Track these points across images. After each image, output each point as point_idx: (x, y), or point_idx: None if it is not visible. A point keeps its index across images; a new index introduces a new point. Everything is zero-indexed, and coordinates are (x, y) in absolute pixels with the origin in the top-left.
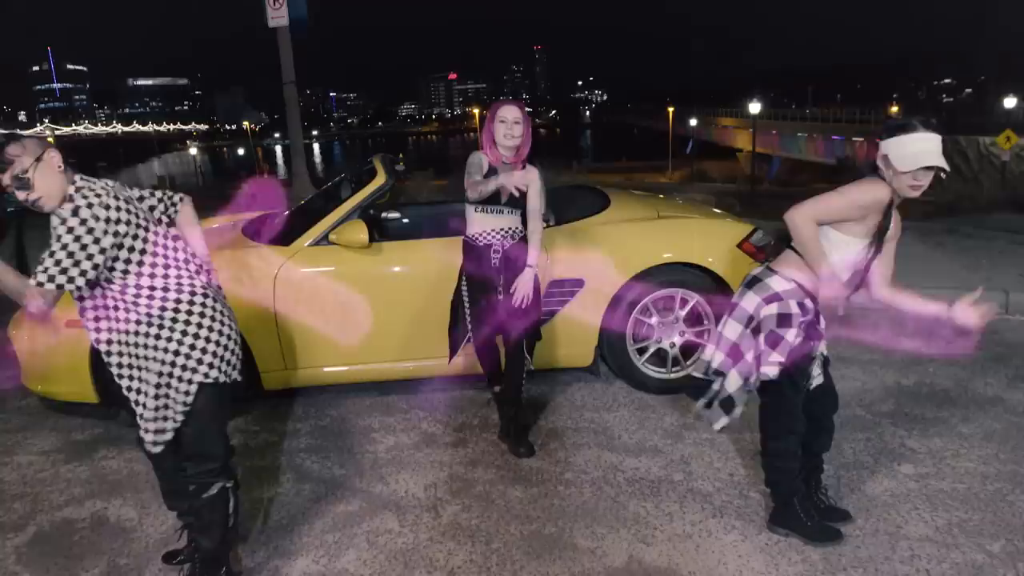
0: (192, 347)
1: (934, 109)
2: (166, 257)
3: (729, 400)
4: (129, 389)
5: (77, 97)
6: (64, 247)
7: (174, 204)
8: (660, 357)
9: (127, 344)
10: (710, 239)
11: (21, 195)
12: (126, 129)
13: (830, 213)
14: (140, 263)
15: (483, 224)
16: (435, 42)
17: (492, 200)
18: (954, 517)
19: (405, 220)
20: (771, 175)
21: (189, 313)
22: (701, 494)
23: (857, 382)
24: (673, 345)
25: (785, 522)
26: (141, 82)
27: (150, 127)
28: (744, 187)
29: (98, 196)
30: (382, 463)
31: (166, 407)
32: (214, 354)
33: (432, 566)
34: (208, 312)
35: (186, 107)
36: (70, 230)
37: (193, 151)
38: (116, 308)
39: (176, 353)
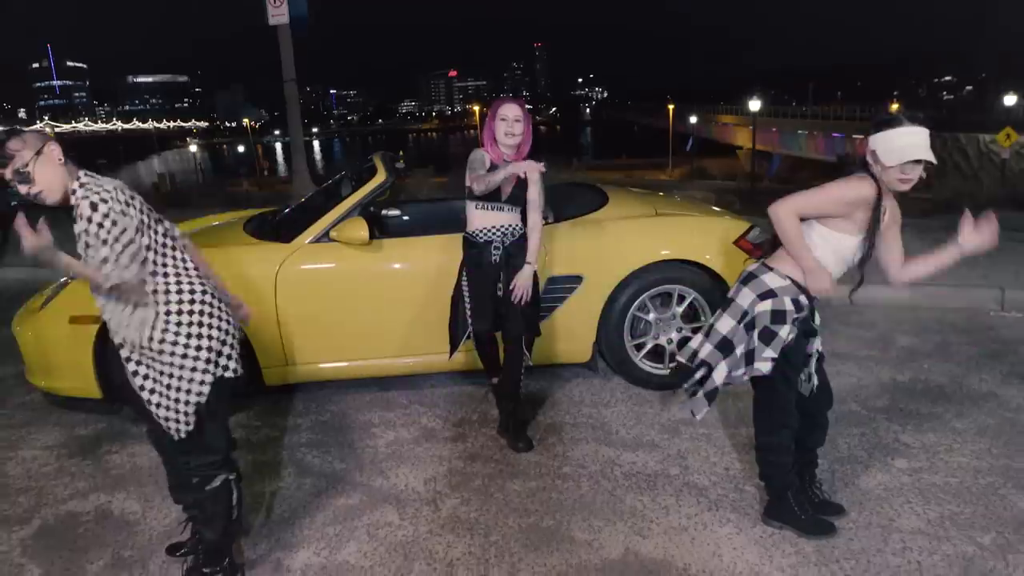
0: (198, 346)
1: (934, 107)
2: (164, 256)
3: (715, 392)
4: (142, 388)
5: (77, 94)
6: (106, 242)
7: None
8: (657, 353)
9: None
10: (707, 236)
11: (23, 189)
12: (126, 126)
13: (813, 208)
14: (144, 260)
15: (483, 221)
16: (435, 39)
17: (493, 197)
18: (946, 510)
19: (405, 217)
20: (771, 172)
21: (191, 312)
22: (697, 488)
23: (853, 378)
24: (670, 341)
25: (779, 515)
26: (141, 79)
27: (150, 124)
28: (744, 184)
29: (108, 191)
30: (382, 457)
31: (178, 401)
32: (218, 352)
33: (432, 558)
34: (207, 309)
35: (186, 104)
36: (100, 225)
37: (193, 148)
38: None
39: (186, 346)
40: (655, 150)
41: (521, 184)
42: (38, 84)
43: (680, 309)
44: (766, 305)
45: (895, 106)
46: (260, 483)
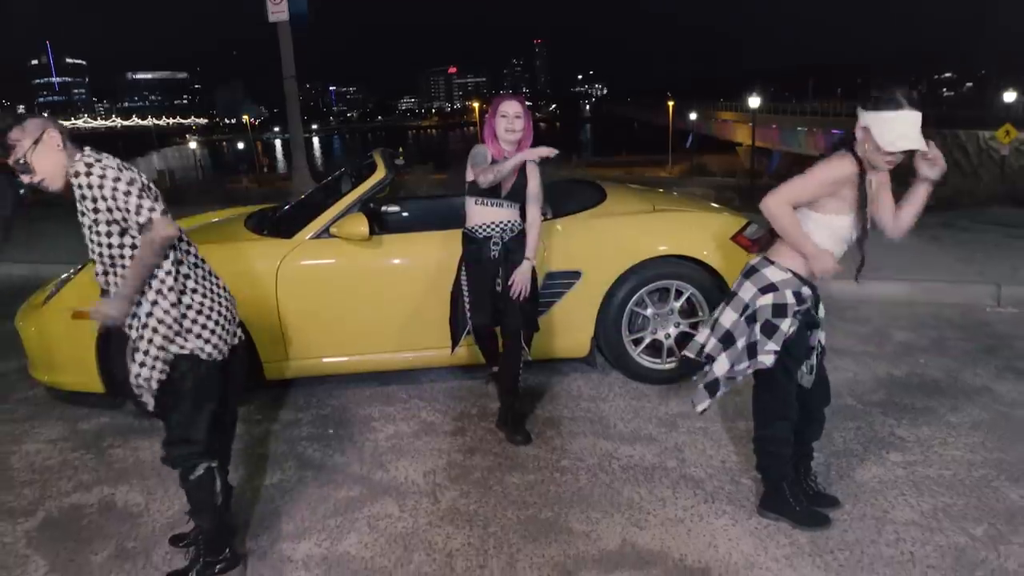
0: (193, 320)
1: (934, 103)
2: (179, 230)
3: (715, 383)
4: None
5: (76, 91)
6: (123, 192)
7: None
8: (655, 348)
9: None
10: (705, 232)
11: (25, 178)
12: (125, 123)
13: (802, 194)
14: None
15: (483, 216)
16: (435, 36)
17: (492, 193)
18: (939, 502)
19: (405, 214)
20: (771, 169)
21: (182, 291)
22: (694, 480)
23: (849, 373)
24: (668, 336)
25: (775, 507)
26: (140, 76)
27: (149, 121)
28: (744, 181)
29: (106, 159)
30: (382, 451)
31: (155, 359)
32: (212, 330)
33: (431, 549)
34: (200, 288)
35: (185, 101)
36: (101, 178)
37: (193, 145)
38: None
39: (177, 306)
40: (655, 147)
41: (520, 180)
42: (37, 81)
43: (678, 304)
44: (767, 299)
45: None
46: (261, 476)
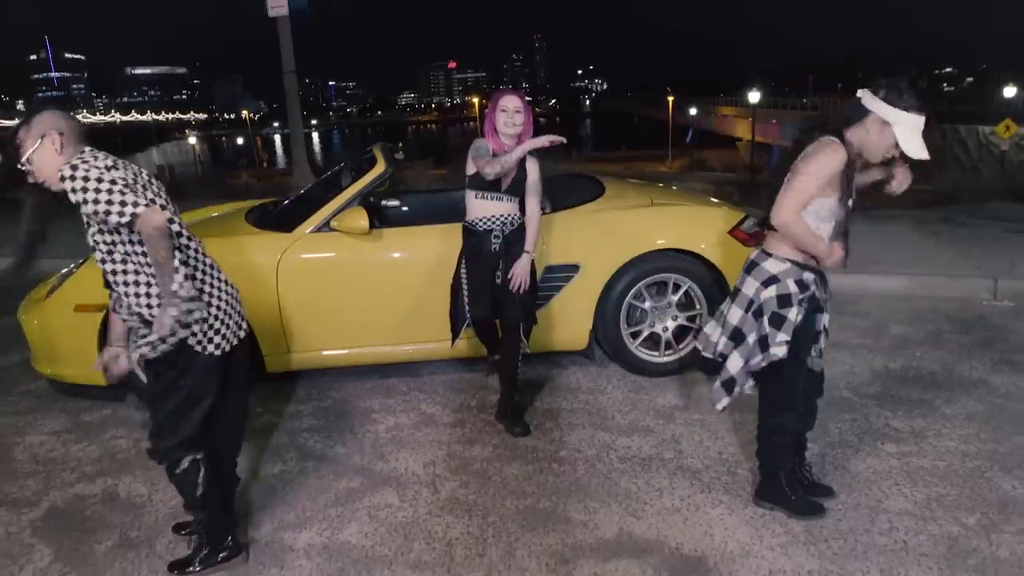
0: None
1: (935, 98)
2: (180, 226)
3: (730, 381)
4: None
5: (75, 86)
6: (104, 195)
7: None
8: (653, 341)
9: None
10: (702, 226)
11: (30, 178)
12: (125, 118)
13: (808, 196)
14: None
15: (483, 210)
16: (434, 30)
17: (493, 187)
18: (933, 492)
19: (405, 208)
20: (771, 164)
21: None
22: (690, 471)
23: (845, 365)
24: (666, 329)
25: (770, 496)
26: (139, 71)
27: (148, 116)
28: (744, 176)
29: (89, 162)
30: (383, 442)
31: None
32: (214, 327)
33: (431, 538)
34: (204, 283)
35: (184, 96)
36: (84, 188)
37: (192, 140)
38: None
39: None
40: (655, 142)
41: (520, 174)
42: (36, 76)
43: (675, 298)
44: (771, 291)
45: None
46: (263, 466)
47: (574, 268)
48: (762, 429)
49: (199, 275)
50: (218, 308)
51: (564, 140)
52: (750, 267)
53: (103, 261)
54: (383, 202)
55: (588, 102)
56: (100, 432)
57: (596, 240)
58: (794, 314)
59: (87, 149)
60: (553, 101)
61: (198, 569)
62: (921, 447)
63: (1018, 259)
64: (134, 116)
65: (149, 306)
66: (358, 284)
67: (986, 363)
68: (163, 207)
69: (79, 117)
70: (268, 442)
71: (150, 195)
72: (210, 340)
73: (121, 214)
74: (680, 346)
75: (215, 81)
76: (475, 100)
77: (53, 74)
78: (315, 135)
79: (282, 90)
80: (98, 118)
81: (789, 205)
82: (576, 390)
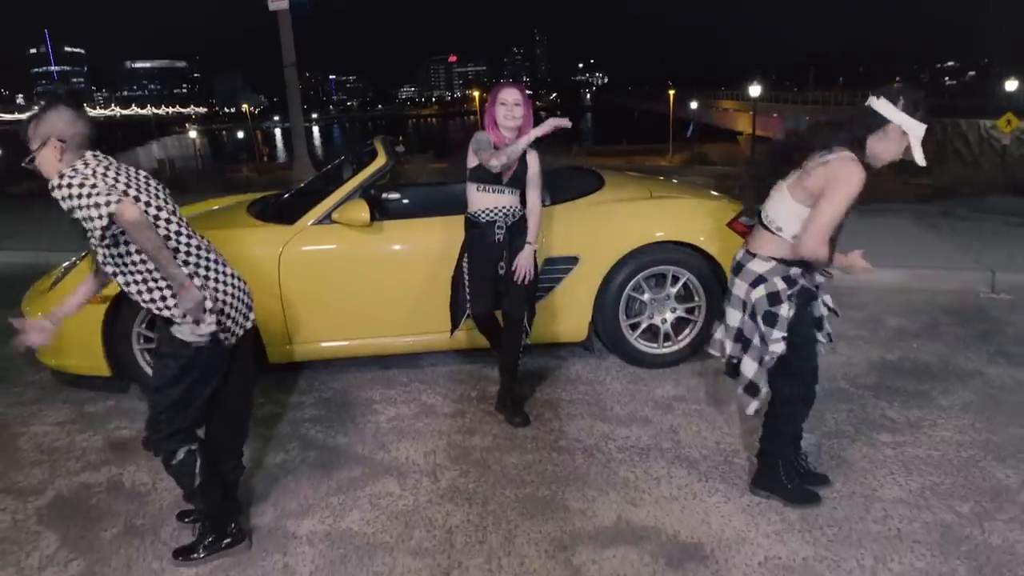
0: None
1: (936, 92)
2: (179, 225)
3: (752, 385)
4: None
5: (75, 80)
6: (86, 203)
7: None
8: (652, 332)
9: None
10: (701, 218)
11: (38, 173)
12: (125, 112)
13: (836, 220)
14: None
15: (485, 202)
16: (435, 24)
17: (494, 179)
18: (927, 481)
19: (405, 201)
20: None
21: (199, 258)
22: (688, 460)
23: (843, 357)
24: (665, 321)
25: (767, 484)
26: (139, 65)
27: (149, 110)
28: (749, 170)
29: (78, 172)
30: (383, 432)
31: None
32: (219, 321)
33: (431, 525)
34: (209, 278)
35: (184, 90)
36: (70, 196)
37: (192, 134)
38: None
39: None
40: (656, 136)
41: (521, 166)
42: (36, 70)
43: (674, 290)
44: (760, 291)
45: None
46: (266, 456)
47: (573, 260)
48: (772, 419)
49: (202, 271)
50: (224, 303)
51: (569, 123)
52: (736, 268)
53: (115, 275)
54: (384, 195)
55: (588, 96)
56: (104, 422)
57: (595, 232)
58: (786, 310)
59: (87, 154)
60: (554, 95)
61: (202, 555)
62: (916, 437)
63: (1016, 252)
64: (134, 110)
65: (168, 308)
66: (359, 276)
67: (982, 355)
68: (159, 208)
69: (87, 112)
70: (270, 432)
71: (132, 192)
72: (223, 331)
73: (100, 216)
74: (679, 338)
75: (215, 75)
76: (475, 94)
77: (53, 68)
78: (315, 129)
79: (282, 84)
80: (98, 112)
81: (818, 232)
82: (575, 381)
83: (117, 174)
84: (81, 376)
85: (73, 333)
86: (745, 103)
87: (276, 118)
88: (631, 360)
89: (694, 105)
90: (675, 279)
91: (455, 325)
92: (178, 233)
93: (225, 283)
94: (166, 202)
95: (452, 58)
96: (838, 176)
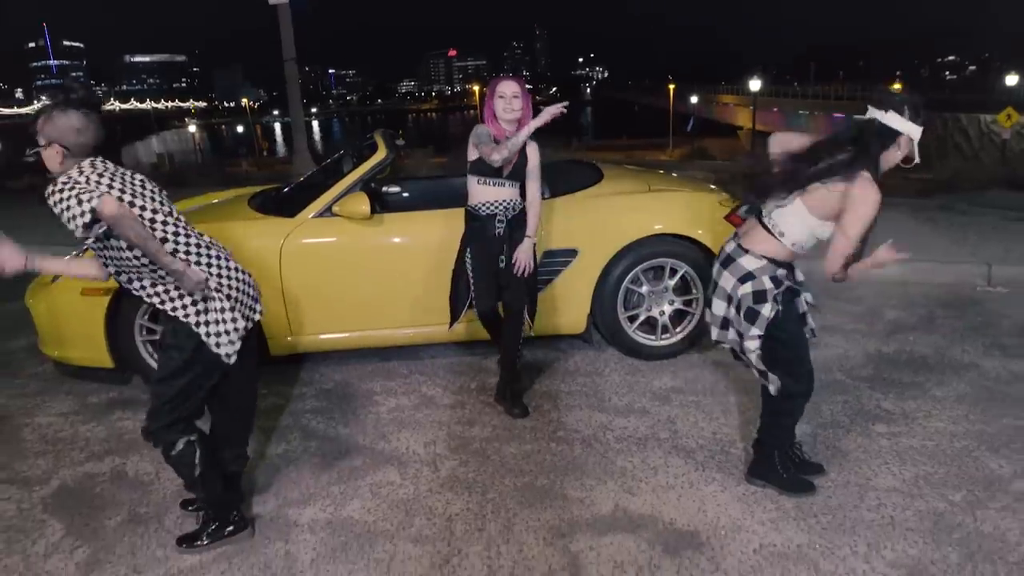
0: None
1: (937, 86)
2: (176, 225)
3: (764, 370)
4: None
5: (74, 74)
6: (74, 210)
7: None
8: (650, 324)
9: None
10: (699, 211)
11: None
12: (124, 106)
13: (855, 243)
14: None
15: (485, 195)
16: (435, 19)
17: (495, 172)
18: (921, 470)
19: (405, 194)
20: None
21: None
22: (685, 450)
23: (839, 349)
24: (663, 313)
25: (763, 474)
26: (138, 59)
27: (148, 104)
28: (744, 168)
29: (72, 176)
30: (384, 423)
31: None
32: (220, 322)
33: (431, 513)
34: (225, 274)
35: (184, 84)
36: (59, 202)
37: (192, 128)
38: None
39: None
40: (656, 130)
41: (521, 159)
42: (34, 64)
43: (672, 282)
44: (747, 288)
45: (897, 86)
46: (268, 446)
47: (572, 253)
48: (773, 412)
49: (202, 268)
50: (229, 296)
51: (565, 108)
52: (726, 261)
53: (117, 274)
54: (384, 188)
55: (589, 90)
56: (107, 413)
57: (594, 225)
58: (768, 310)
59: (85, 162)
60: (554, 89)
61: (206, 543)
62: (911, 427)
63: (1013, 246)
64: (133, 104)
65: (172, 299)
66: (360, 268)
67: (978, 347)
68: (155, 211)
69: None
70: (272, 423)
71: (116, 192)
72: (231, 338)
73: (82, 213)
74: (676, 330)
75: (215, 69)
76: (475, 88)
77: (52, 62)
78: (315, 123)
79: (282, 78)
80: None
81: (839, 257)
82: (574, 373)
83: (112, 180)
84: (84, 368)
85: (76, 325)
86: (745, 97)
87: (275, 112)
88: (629, 352)
89: (694, 100)
90: (673, 271)
91: (455, 318)
92: (176, 234)
93: (230, 277)
94: (162, 204)
95: (452, 52)
96: (857, 200)
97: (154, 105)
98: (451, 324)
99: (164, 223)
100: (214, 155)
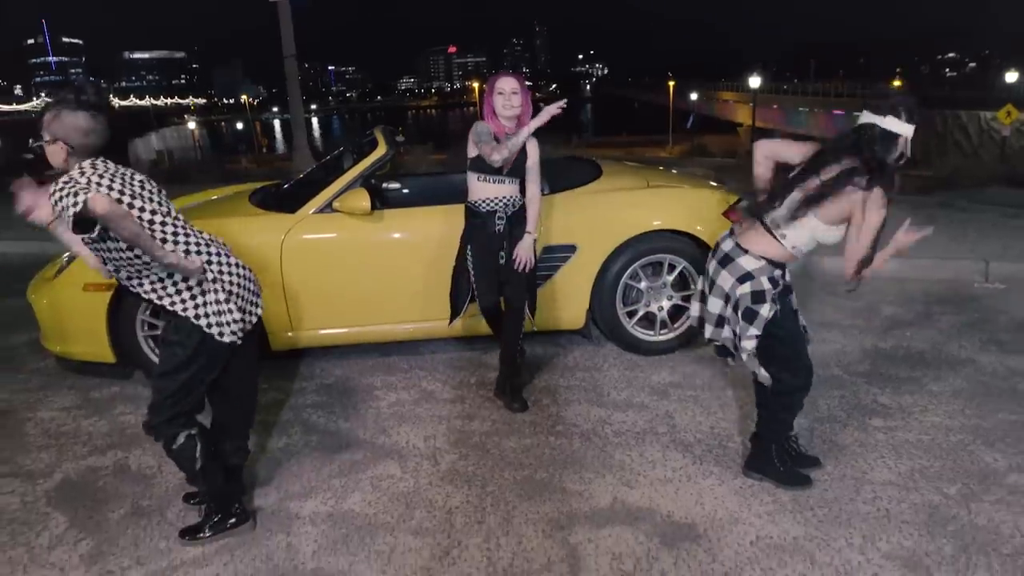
0: (216, 301)
1: (937, 84)
2: (175, 225)
3: (756, 360)
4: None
5: (73, 71)
6: (70, 213)
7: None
8: (649, 320)
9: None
10: (697, 207)
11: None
12: (123, 103)
13: (870, 245)
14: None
15: (485, 191)
16: (434, 15)
17: (495, 169)
18: (917, 464)
19: (405, 190)
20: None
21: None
22: (683, 444)
23: (837, 345)
24: (661, 309)
25: (760, 467)
26: (138, 55)
27: (147, 101)
28: (744, 162)
29: (74, 176)
30: (384, 417)
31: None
32: (223, 312)
33: (432, 506)
34: (225, 270)
35: (183, 81)
36: (58, 200)
37: (191, 125)
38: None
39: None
40: (656, 127)
41: (521, 156)
42: (34, 60)
43: (671, 278)
44: (745, 288)
45: (897, 83)
46: (269, 440)
47: (571, 249)
48: (771, 406)
49: (203, 265)
50: (228, 292)
51: (564, 105)
52: (724, 260)
53: (117, 271)
54: (384, 184)
55: (588, 87)
56: (109, 408)
57: (593, 221)
58: (767, 310)
59: (86, 163)
60: (554, 86)
61: (208, 535)
62: (907, 422)
63: (1011, 243)
64: (133, 101)
65: (171, 295)
66: (360, 264)
67: (975, 343)
68: (154, 212)
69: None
70: (273, 417)
71: (115, 193)
72: (233, 329)
73: (75, 204)
74: (675, 325)
75: (214, 66)
76: (475, 85)
77: (51, 58)
78: (315, 120)
79: (282, 75)
80: None
81: (857, 262)
82: (573, 368)
83: (112, 180)
84: (86, 363)
85: (78, 320)
86: (745, 94)
87: (275, 109)
88: (628, 347)
89: (694, 96)
90: (671, 267)
91: (455, 314)
92: (175, 234)
93: (231, 273)
94: (161, 204)
95: (451, 49)
96: (869, 205)
97: (153, 102)
98: (451, 320)
99: (163, 223)
100: (214, 152)
